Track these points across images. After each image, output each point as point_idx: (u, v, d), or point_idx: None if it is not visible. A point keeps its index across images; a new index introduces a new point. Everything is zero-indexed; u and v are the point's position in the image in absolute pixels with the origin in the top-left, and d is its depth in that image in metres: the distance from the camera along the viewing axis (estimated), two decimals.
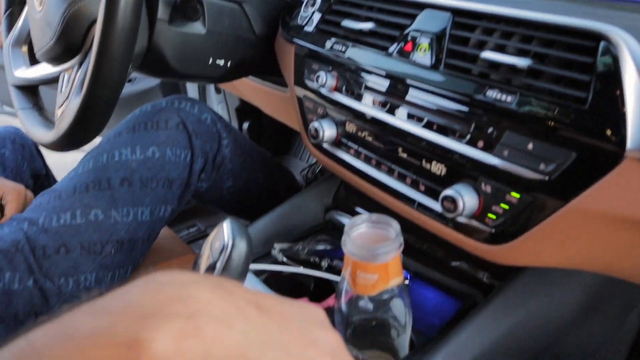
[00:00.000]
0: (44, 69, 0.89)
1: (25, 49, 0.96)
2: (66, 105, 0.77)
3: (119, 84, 0.69)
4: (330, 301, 0.69)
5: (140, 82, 1.55)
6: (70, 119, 0.74)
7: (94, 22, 0.75)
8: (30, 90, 0.94)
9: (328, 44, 0.72)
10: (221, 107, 1.58)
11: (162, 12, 0.78)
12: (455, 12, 0.59)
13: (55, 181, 1.19)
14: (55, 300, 0.79)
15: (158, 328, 0.27)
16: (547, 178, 0.49)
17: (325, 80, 0.69)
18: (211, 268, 0.45)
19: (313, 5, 0.80)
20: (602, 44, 0.47)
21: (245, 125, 1.54)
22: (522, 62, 0.51)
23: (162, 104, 0.92)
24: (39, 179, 1.17)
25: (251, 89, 1.09)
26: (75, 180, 0.86)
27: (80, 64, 0.78)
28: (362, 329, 0.55)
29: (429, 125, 0.59)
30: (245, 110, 1.53)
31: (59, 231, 0.80)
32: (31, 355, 0.26)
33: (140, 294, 0.29)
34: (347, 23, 0.69)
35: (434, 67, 0.59)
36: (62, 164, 1.60)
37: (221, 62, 0.86)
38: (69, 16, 0.75)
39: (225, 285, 0.32)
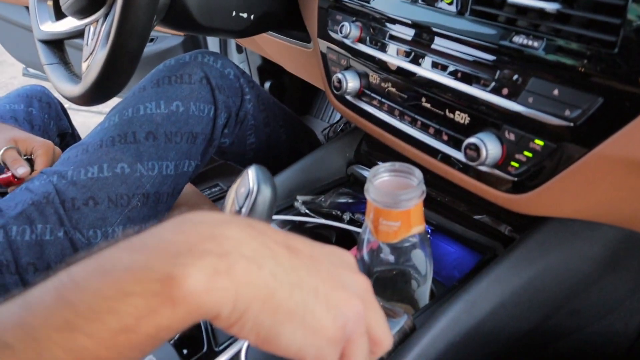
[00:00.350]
0: (70, 23, 0.90)
1: (51, 2, 0.97)
2: (92, 58, 0.78)
3: (144, 34, 0.69)
4: (353, 253, 0.70)
5: (162, 41, 1.55)
6: (96, 72, 0.75)
7: None
8: (56, 45, 0.95)
9: None
10: (243, 65, 1.58)
11: None
12: None
13: (80, 138, 1.21)
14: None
15: (191, 265, 0.28)
16: (572, 124, 0.48)
17: (350, 30, 0.69)
18: (236, 213, 0.46)
19: None
20: None
21: (267, 84, 1.54)
22: (550, 5, 0.50)
23: (186, 58, 0.93)
24: (65, 137, 1.20)
25: (274, 45, 1.09)
26: (101, 134, 0.87)
27: (106, 16, 0.78)
28: (384, 279, 0.56)
29: (453, 74, 0.59)
30: (268, 69, 1.53)
31: (87, 184, 0.82)
32: (71, 288, 0.28)
33: (174, 232, 0.30)
34: None
35: (460, 13, 0.58)
36: (86, 126, 1.63)
37: (244, 15, 0.85)
38: None
39: (256, 225, 0.33)
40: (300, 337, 0.31)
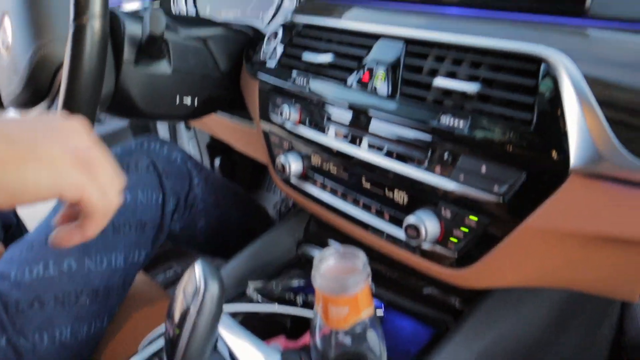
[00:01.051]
0: (11, 115, 0.90)
1: None
2: None
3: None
4: (307, 338, 0.69)
5: (110, 123, 1.55)
6: None
7: (61, 65, 0.76)
8: None
9: (290, 77, 0.74)
10: (192, 144, 1.59)
11: (127, 53, 0.79)
12: (408, 41, 0.62)
13: (26, 231, 1.17)
14: (29, 358, 0.77)
15: None
16: (501, 199, 0.51)
17: (289, 113, 0.71)
18: (185, 312, 0.46)
19: (275, 39, 0.82)
20: (542, 67, 0.49)
21: (217, 161, 1.55)
22: (471, 87, 0.53)
23: (132, 146, 0.93)
24: (10, 229, 1.15)
25: (220, 125, 1.10)
26: (47, 230, 0.84)
27: (49, 109, 0.78)
28: None
29: (389, 154, 0.61)
30: (216, 146, 1.54)
31: (32, 284, 0.78)
32: None
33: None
34: (307, 56, 0.71)
35: (391, 96, 0.61)
36: (32, 213, 1.58)
37: (188, 100, 0.87)
38: (36, 62, 0.76)
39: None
40: (45, 175, 0.39)
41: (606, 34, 0.51)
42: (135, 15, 0.81)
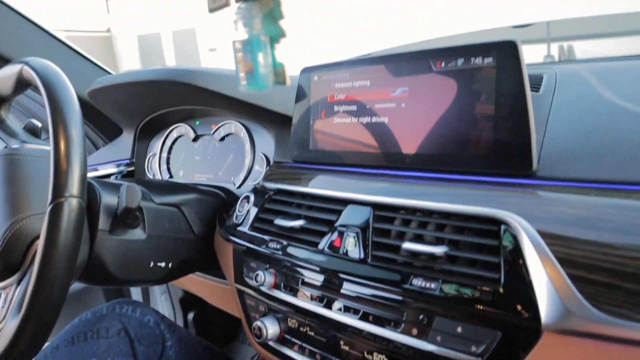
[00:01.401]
0: None
1: None
2: (2, 327, 0.75)
3: (59, 303, 0.68)
4: None
5: None
6: (6, 342, 0.71)
7: (34, 239, 0.77)
8: None
9: (263, 242, 0.76)
10: (164, 298, 1.56)
11: (102, 223, 0.81)
12: (375, 206, 0.65)
13: None
14: None
15: None
16: None
17: (264, 278, 0.72)
18: None
19: (247, 202, 0.86)
20: (502, 228, 0.53)
21: (191, 315, 1.51)
22: (438, 249, 0.56)
23: (103, 311, 0.91)
24: None
25: (193, 281, 1.10)
26: None
27: (19, 282, 0.77)
28: None
29: (364, 317, 0.62)
30: (190, 300, 1.51)
31: None
32: None
33: None
34: (279, 221, 0.74)
35: (362, 259, 0.63)
36: None
37: (162, 264, 0.88)
38: (10, 235, 0.77)
39: None
40: None
41: (554, 194, 0.55)
42: (111, 186, 0.84)
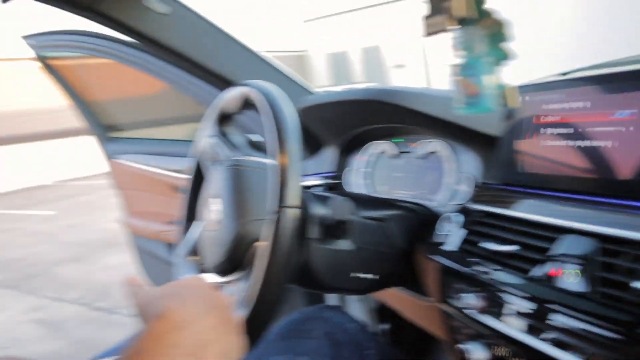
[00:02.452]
0: (210, 279, 1.01)
1: (194, 258, 1.10)
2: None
3: (278, 301, 0.76)
4: None
5: None
6: None
7: (254, 241, 0.87)
8: None
9: (470, 264, 0.75)
10: (359, 306, 1.61)
11: (312, 231, 0.88)
12: (602, 237, 0.60)
13: None
14: None
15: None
16: None
17: (471, 301, 0.71)
18: None
19: (449, 222, 0.85)
20: None
21: (384, 327, 1.54)
22: None
23: (310, 313, 0.98)
24: None
25: (392, 295, 1.12)
26: None
27: (243, 278, 0.88)
28: None
29: (581, 354, 0.57)
30: (384, 312, 1.54)
31: None
32: None
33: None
34: (489, 245, 0.73)
35: (585, 294, 0.59)
36: None
37: (368, 275, 0.92)
38: (238, 237, 0.87)
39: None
40: None
41: None
42: (319, 198, 0.91)
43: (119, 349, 1.12)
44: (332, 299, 1.65)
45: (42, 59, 1.92)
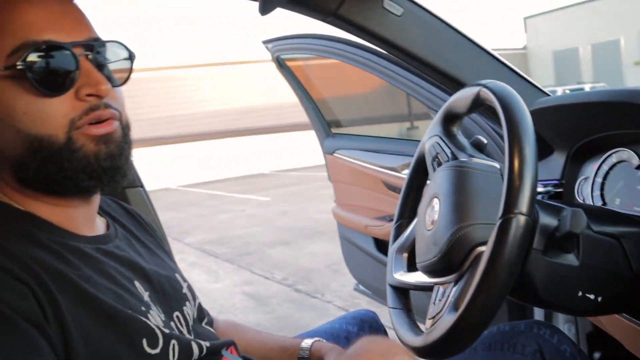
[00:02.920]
0: (419, 277, 1.02)
1: (405, 255, 1.13)
2: (438, 318, 0.85)
3: (495, 309, 0.74)
4: None
5: None
6: (440, 333, 0.81)
7: (475, 246, 0.84)
8: (402, 292, 1.08)
9: None
10: (568, 327, 1.48)
11: (538, 242, 0.83)
12: None
13: None
14: None
15: None
16: None
17: None
18: None
19: None
20: None
21: (597, 355, 1.40)
22: None
23: (521, 327, 0.94)
24: None
25: (615, 321, 1.01)
26: None
27: (456, 282, 0.87)
28: None
29: None
30: (599, 338, 1.40)
31: None
32: None
33: None
34: None
35: None
36: None
37: (591, 296, 0.84)
38: (456, 239, 0.86)
39: None
40: None
41: None
42: (549, 207, 0.85)
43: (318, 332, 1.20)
44: (539, 314, 1.54)
45: (278, 60, 2.14)
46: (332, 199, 2.32)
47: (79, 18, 0.75)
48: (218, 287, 4.15)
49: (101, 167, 0.72)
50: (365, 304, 2.98)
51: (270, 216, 6.93)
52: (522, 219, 0.71)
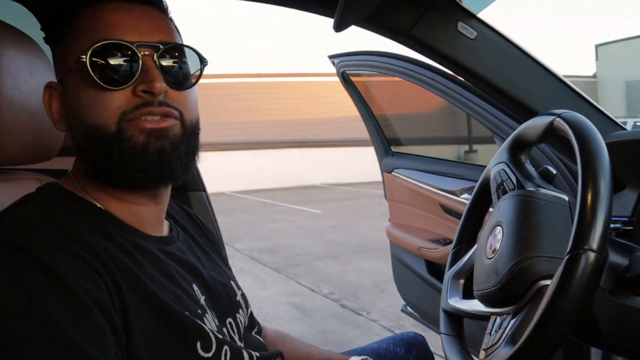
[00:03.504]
0: (475, 305, 1.00)
1: (462, 282, 1.10)
2: (493, 351, 0.83)
3: (555, 347, 0.71)
4: None
5: None
6: None
7: (538, 279, 0.82)
8: (456, 319, 1.05)
9: None
10: None
11: (605, 281, 0.79)
12: None
13: None
14: None
15: None
16: None
17: None
18: None
19: None
20: None
21: None
22: None
23: None
24: None
25: None
26: None
27: (515, 314, 0.84)
28: None
29: None
30: None
31: None
32: None
33: None
34: None
35: None
36: None
37: None
38: (518, 270, 0.83)
39: None
40: None
41: None
42: (620, 245, 0.82)
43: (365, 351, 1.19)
44: (595, 354, 1.46)
45: (343, 75, 2.16)
46: (383, 216, 2.31)
47: (158, 23, 0.78)
48: (264, 295, 4.19)
49: (146, 160, 0.74)
50: (410, 326, 2.94)
51: (321, 229, 6.95)
52: (592, 255, 0.68)
